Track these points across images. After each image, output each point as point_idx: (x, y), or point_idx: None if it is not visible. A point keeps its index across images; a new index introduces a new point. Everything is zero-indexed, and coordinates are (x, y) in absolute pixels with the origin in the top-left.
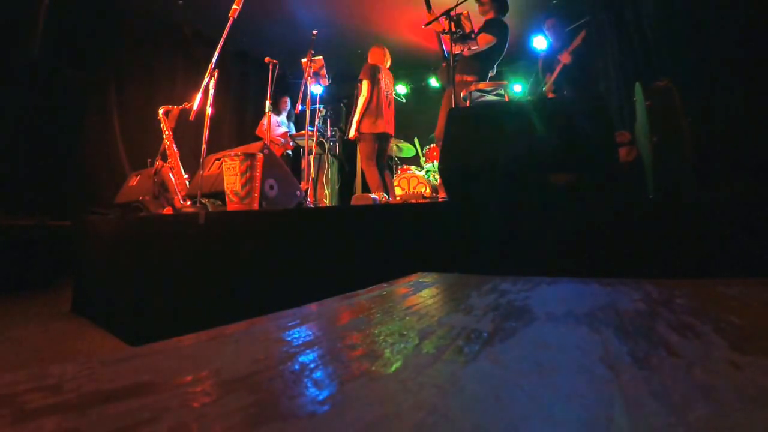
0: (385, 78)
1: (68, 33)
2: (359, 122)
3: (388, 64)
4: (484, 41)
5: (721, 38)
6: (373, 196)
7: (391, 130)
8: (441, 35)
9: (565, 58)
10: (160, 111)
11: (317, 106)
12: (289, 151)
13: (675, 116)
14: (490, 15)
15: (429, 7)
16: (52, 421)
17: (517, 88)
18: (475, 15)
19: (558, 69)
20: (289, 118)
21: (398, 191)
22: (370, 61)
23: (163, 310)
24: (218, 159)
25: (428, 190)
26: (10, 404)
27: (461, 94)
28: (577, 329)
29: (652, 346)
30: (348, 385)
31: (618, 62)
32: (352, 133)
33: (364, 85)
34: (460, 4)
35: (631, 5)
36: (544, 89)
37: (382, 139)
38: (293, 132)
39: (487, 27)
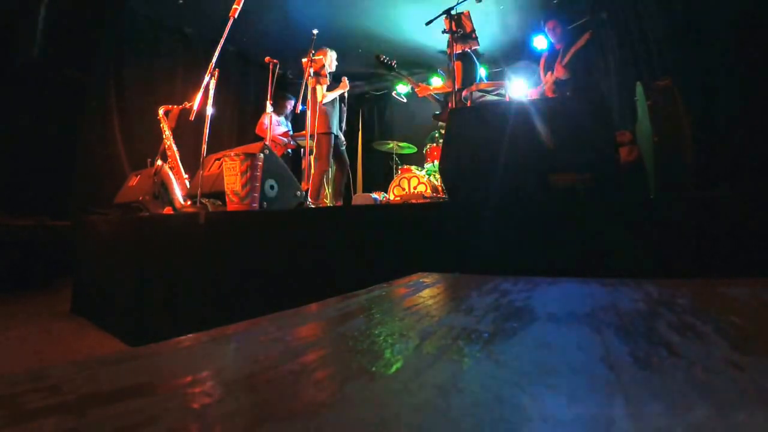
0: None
1: (68, 33)
2: None
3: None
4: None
5: (721, 38)
6: (373, 195)
7: None
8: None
9: (558, 72)
10: (160, 111)
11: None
12: (290, 150)
13: (676, 116)
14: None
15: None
16: (52, 421)
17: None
18: (475, 16)
19: (551, 79)
20: (286, 117)
21: (398, 191)
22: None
23: (163, 310)
24: (218, 159)
25: (428, 190)
26: (10, 404)
27: (462, 95)
28: (577, 329)
29: (653, 347)
30: (348, 385)
31: (618, 62)
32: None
33: None
34: (460, 3)
35: (631, 5)
36: (544, 89)
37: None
38: (291, 131)
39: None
